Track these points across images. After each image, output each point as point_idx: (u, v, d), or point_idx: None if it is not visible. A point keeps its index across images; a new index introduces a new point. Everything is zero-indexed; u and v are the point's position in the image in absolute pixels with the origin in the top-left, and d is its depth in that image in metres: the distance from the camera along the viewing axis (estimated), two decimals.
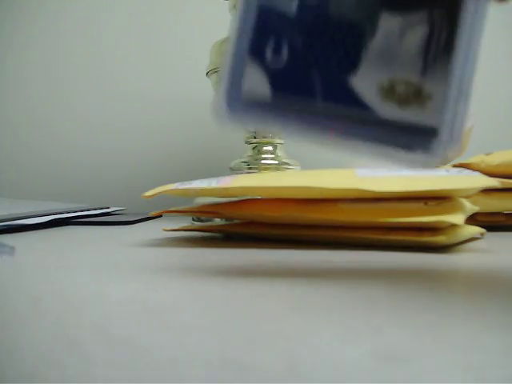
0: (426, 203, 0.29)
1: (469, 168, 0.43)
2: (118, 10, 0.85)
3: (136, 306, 0.16)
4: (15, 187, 0.83)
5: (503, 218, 0.44)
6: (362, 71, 0.17)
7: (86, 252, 0.30)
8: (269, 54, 0.17)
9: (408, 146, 0.17)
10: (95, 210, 0.59)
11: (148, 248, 0.31)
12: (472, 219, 0.41)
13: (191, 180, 0.35)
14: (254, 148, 0.55)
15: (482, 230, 0.34)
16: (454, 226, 0.30)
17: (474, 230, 0.32)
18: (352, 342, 0.13)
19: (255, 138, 0.55)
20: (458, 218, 0.28)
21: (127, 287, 0.19)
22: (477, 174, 0.31)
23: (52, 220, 0.47)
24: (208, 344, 0.12)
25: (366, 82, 0.17)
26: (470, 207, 0.31)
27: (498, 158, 0.43)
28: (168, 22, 0.84)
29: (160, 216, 0.63)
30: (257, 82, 0.17)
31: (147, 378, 0.10)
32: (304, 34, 0.17)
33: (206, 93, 0.67)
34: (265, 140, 0.55)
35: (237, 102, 0.17)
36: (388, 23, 0.18)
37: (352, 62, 0.17)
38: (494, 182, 0.30)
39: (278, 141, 0.55)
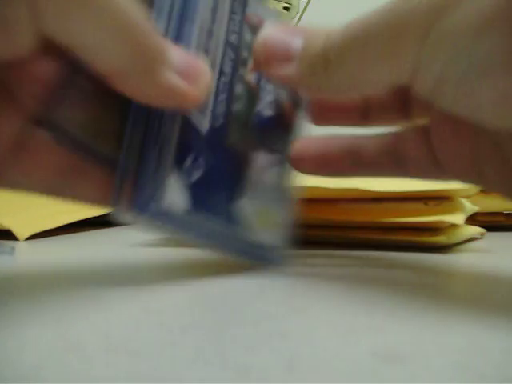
0: (425, 203, 0.29)
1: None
2: None
3: (136, 306, 0.16)
4: None
5: (503, 217, 0.44)
6: (246, 198, 0.21)
7: (85, 252, 0.30)
8: (188, 166, 0.18)
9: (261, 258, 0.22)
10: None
11: (148, 248, 0.31)
12: (472, 219, 0.41)
13: None
14: None
15: (482, 230, 0.34)
16: (453, 225, 0.29)
17: (474, 230, 0.32)
18: (352, 342, 0.13)
19: None
20: (458, 218, 0.28)
21: (127, 287, 0.19)
22: None
23: None
24: (208, 344, 0.12)
25: (248, 208, 0.21)
26: (470, 207, 0.31)
27: None
28: None
29: None
30: (175, 194, 0.18)
31: (147, 378, 0.10)
32: (212, 154, 0.19)
33: None
34: None
35: (150, 207, 0.17)
36: (259, 160, 0.21)
37: (240, 189, 0.21)
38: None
39: None
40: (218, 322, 0.14)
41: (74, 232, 0.42)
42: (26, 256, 0.28)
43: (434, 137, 0.19)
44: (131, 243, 0.33)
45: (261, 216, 0.21)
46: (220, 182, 0.20)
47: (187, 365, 0.11)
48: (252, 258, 0.22)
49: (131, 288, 0.19)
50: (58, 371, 0.11)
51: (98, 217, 0.47)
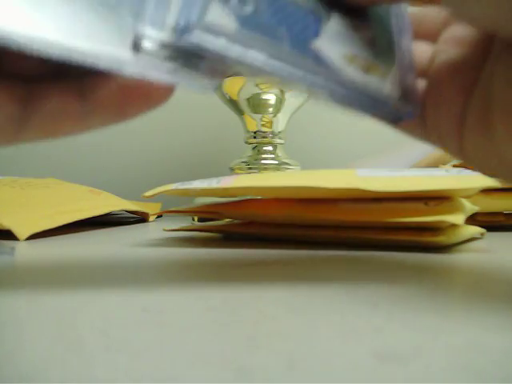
0: (426, 203, 0.29)
1: (469, 168, 0.43)
2: None
3: (136, 306, 0.16)
4: None
5: (503, 218, 0.44)
6: (324, 40, 0.18)
7: (86, 252, 0.30)
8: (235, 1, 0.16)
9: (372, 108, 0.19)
10: None
11: (148, 248, 0.31)
12: (472, 219, 0.41)
13: (191, 180, 0.35)
14: (254, 148, 0.55)
15: (482, 230, 0.34)
16: (454, 225, 0.29)
17: (474, 230, 0.32)
18: (352, 342, 0.13)
19: (255, 138, 0.55)
20: (458, 218, 0.28)
21: (127, 287, 0.19)
22: (477, 174, 0.31)
23: None
24: (208, 344, 0.12)
25: (330, 49, 0.18)
26: (470, 207, 0.31)
27: None
28: None
29: (160, 216, 0.63)
30: (221, 15, 0.16)
31: (147, 378, 0.10)
32: None
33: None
34: (265, 140, 0.55)
35: (196, 26, 0.15)
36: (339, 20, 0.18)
37: (315, 32, 0.18)
38: (493, 182, 0.30)
39: (278, 141, 0.55)
40: (218, 322, 0.14)
41: (74, 232, 0.42)
42: (26, 256, 0.28)
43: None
44: (131, 243, 0.33)
45: (355, 61, 0.18)
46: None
47: (187, 365, 0.11)
48: (363, 107, 0.19)
49: (131, 288, 0.19)
50: (58, 371, 0.11)
51: (98, 216, 0.47)
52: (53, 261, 0.26)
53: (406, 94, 0.19)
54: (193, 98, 0.83)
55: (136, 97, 0.17)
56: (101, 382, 0.10)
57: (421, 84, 0.20)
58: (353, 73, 0.18)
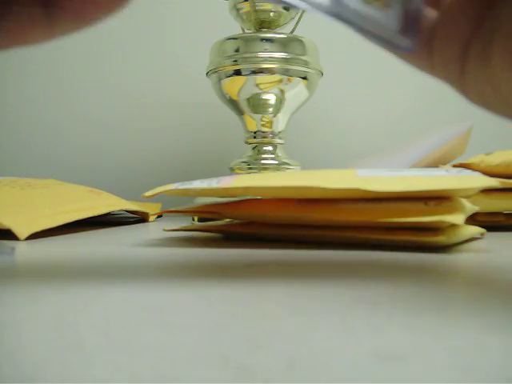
0: (426, 203, 0.29)
1: (469, 168, 0.43)
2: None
3: (136, 306, 0.16)
4: None
5: (503, 217, 0.44)
6: None
7: (86, 252, 0.30)
8: None
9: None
10: None
11: (148, 248, 0.31)
12: (472, 219, 0.41)
13: (191, 180, 0.35)
14: (254, 148, 0.55)
15: (482, 230, 0.34)
16: (453, 226, 0.30)
17: (474, 230, 0.32)
18: (352, 342, 0.13)
19: (255, 138, 0.55)
20: (458, 218, 0.28)
21: (127, 287, 0.19)
22: (477, 173, 0.31)
23: None
24: (208, 344, 0.12)
25: None
26: (470, 207, 0.31)
27: (497, 158, 0.43)
28: (169, 23, 0.84)
29: (160, 216, 0.63)
30: None
31: (147, 378, 0.10)
32: None
33: (206, 94, 0.67)
34: (265, 140, 0.55)
35: None
36: None
37: None
38: (494, 182, 0.30)
39: (278, 141, 0.55)
40: (218, 321, 0.14)
41: (74, 232, 0.42)
42: (26, 256, 0.28)
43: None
44: (131, 243, 0.33)
45: None
46: None
47: (187, 365, 0.11)
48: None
49: (131, 288, 0.19)
50: (57, 371, 0.11)
51: (98, 216, 0.47)
52: (53, 261, 0.26)
53: (407, 25, 0.20)
54: (192, 98, 0.83)
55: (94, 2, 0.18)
56: (100, 382, 0.10)
57: (431, 14, 0.21)
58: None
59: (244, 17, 0.57)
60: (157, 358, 0.11)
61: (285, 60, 0.52)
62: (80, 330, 0.14)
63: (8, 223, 0.36)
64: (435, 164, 0.47)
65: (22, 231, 0.35)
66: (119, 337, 0.13)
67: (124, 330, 0.14)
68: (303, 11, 0.59)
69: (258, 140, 0.55)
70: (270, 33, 0.55)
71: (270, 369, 0.11)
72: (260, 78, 0.53)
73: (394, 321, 0.14)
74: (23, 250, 0.30)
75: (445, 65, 0.21)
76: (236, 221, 0.36)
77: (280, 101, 0.54)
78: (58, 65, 0.86)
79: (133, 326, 0.14)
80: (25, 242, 0.34)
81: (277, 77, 0.53)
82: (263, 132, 0.55)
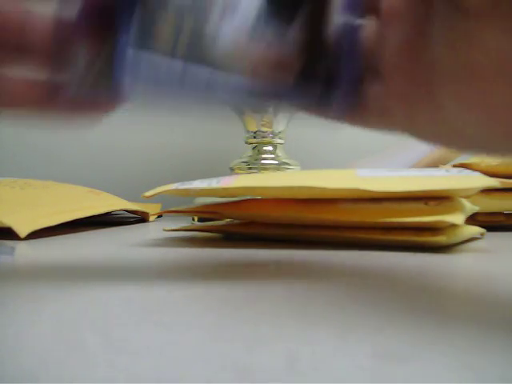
0: (426, 203, 0.29)
1: (469, 168, 0.43)
2: None
3: (136, 306, 0.16)
4: None
5: (503, 217, 0.44)
6: None
7: (86, 252, 0.30)
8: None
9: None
10: None
11: (148, 248, 0.31)
12: (472, 219, 0.41)
13: (191, 180, 0.35)
14: (254, 148, 0.55)
15: (482, 230, 0.34)
16: (454, 226, 0.29)
17: (474, 230, 0.32)
18: (352, 342, 0.13)
19: (255, 138, 0.55)
20: (458, 218, 0.28)
21: (127, 287, 0.19)
22: (477, 174, 0.31)
23: None
24: (208, 344, 0.12)
25: None
26: (470, 207, 0.31)
27: (498, 158, 0.43)
28: None
29: (160, 216, 0.63)
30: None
31: (147, 378, 0.10)
32: None
33: None
34: (265, 140, 0.55)
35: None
36: None
37: None
38: (493, 182, 0.30)
39: (278, 141, 0.55)
40: (218, 321, 0.14)
41: (74, 232, 0.42)
42: (26, 256, 0.28)
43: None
44: (131, 243, 0.33)
45: None
46: None
47: (187, 365, 0.11)
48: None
49: (131, 288, 0.19)
50: (58, 371, 0.11)
51: (98, 216, 0.47)
52: (53, 261, 0.26)
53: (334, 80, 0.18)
54: None
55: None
56: (100, 382, 0.10)
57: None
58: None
59: None
60: (156, 358, 0.11)
61: None
62: (80, 330, 0.14)
63: (8, 222, 0.36)
64: (435, 164, 0.47)
65: (23, 229, 0.36)
66: (119, 336, 0.13)
67: (124, 329, 0.14)
68: None
69: (258, 140, 0.55)
70: None
71: (270, 369, 0.11)
72: None
73: (394, 321, 0.14)
74: (23, 250, 0.30)
75: (389, 116, 0.19)
76: (236, 221, 0.36)
77: None
78: None
79: (132, 325, 0.14)
80: (25, 241, 0.34)
81: None
82: (263, 132, 0.54)
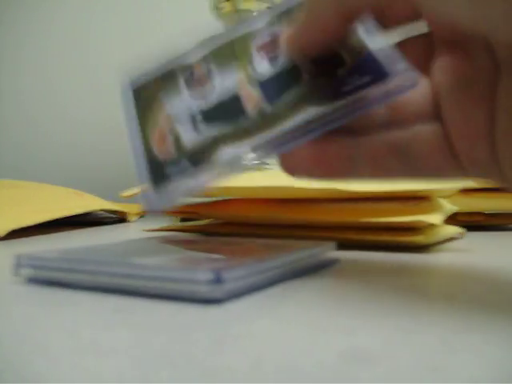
0: (404, 203, 0.29)
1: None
2: (107, 11, 0.85)
3: (105, 307, 0.16)
4: None
5: (482, 217, 0.44)
6: None
7: None
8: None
9: None
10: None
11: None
12: (452, 219, 0.41)
13: None
14: None
15: (461, 230, 0.34)
16: (432, 225, 0.30)
17: (453, 229, 0.32)
18: (320, 343, 0.12)
19: None
20: (436, 218, 0.28)
21: (99, 288, 0.19)
22: None
23: None
24: (174, 345, 0.12)
25: None
26: (449, 207, 0.31)
27: None
28: (152, 23, 0.83)
29: (142, 216, 0.62)
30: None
31: (113, 378, 0.10)
32: None
33: None
34: None
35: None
36: None
37: None
38: (471, 182, 0.31)
39: None
40: (186, 323, 0.14)
41: (55, 232, 0.41)
42: (5, 255, 0.28)
43: (445, 110, 0.18)
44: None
45: None
46: None
47: (154, 366, 0.11)
48: None
49: (104, 289, 0.19)
50: (24, 372, 0.11)
51: (79, 216, 0.47)
52: None
53: None
54: None
55: None
56: (66, 383, 0.10)
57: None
58: None
59: (225, 16, 0.57)
60: (123, 359, 0.11)
61: None
62: (48, 331, 0.13)
63: None
64: None
65: (2, 228, 0.35)
66: (88, 338, 0.13)
67: (93, 331, 0.14)
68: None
69: None
70: None
71: (236, 369, 0.11)
72: None
73: (367, 321, 0.14)
74: (2, 250, 0.30)
75: (478, 167, 0.18)
76: (216, 221, 0.36)
77: None
78: (50, 64, 0.85)
79: (102, 327, 0.14)
80: (4, 241, 0.34)
81: None
82: None
